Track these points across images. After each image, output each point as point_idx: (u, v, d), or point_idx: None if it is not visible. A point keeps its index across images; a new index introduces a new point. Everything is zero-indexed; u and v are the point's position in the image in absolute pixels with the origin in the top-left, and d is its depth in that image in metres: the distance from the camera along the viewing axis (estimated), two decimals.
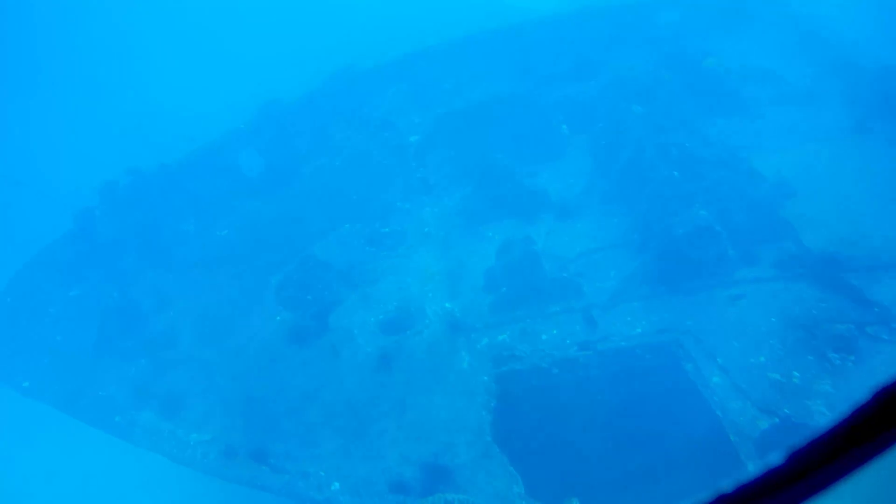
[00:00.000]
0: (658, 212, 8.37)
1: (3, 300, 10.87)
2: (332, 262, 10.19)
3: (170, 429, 7.75)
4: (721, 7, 14.10)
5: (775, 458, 0.86)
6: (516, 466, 6.59)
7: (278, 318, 9.47)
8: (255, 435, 7.74)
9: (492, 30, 14.84)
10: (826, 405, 6.19)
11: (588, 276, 8.59)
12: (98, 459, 13.36)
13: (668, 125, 9.66)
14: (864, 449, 0.78)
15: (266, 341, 9.20)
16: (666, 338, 7.46)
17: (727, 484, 0.85)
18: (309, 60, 16.61)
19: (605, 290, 8.31)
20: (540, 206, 10.15)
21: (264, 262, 10.87)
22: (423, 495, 6.36)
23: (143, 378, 9.04)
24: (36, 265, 11.44)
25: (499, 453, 6.73)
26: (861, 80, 11.05)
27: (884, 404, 0.78)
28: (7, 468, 14.86)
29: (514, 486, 6.39)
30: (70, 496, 14.04)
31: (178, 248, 11.88)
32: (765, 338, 7.03)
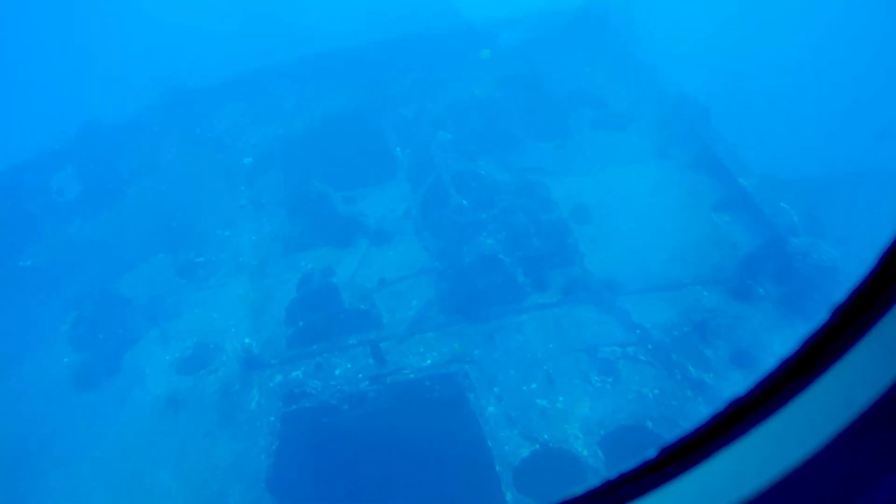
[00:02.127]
0: (452, 240, 8.47)
1: None
2: (136, 295, 9.58)
3: None
4: (561, 29, 14.65)
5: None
6: None
7: (66, 359, 8.74)
8: (17, 492, 7.05)
9: (337, 48, 14.66)
10: (581, 429, 6.44)
11: (391, 306, 8.54)
12: None
13: (475, 150, 9.85)
14: (718, 442, 1.04)
15: (49, 385, 8.46)
16: (454, 368, 7.52)
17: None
18: (136, 78, 15.69)
19: (405, 320, 8.28)
20: (357, 233, 10.03)
21: (65, 296, 10.04)
22: None
23: None
24: None
25: (271, 502, 6.48)
26: (665, 107, 11.83)
27: (733, 412, 1.05)
28: None
29: None
30: None
31: None
32: (540, 364, 7.24)
